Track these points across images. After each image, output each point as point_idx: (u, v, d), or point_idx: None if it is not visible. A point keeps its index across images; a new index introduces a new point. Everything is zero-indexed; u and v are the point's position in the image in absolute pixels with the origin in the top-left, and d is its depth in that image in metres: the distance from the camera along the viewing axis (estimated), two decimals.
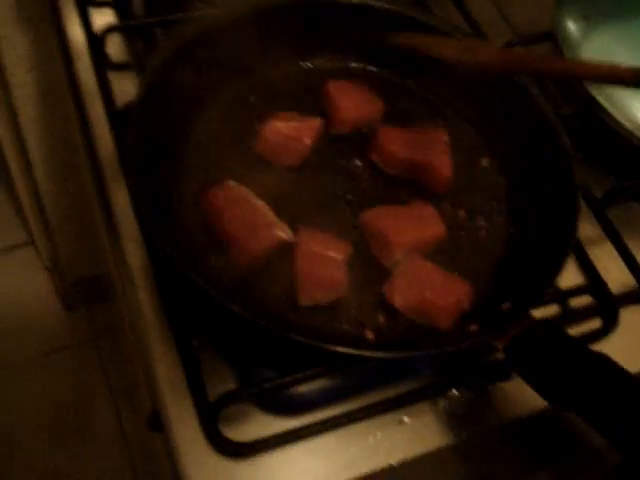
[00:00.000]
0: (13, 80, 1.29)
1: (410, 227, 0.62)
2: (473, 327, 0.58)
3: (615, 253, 0.72)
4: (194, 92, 0.66)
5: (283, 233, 0.60)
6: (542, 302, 0.63)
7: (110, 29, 0.75)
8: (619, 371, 0.52)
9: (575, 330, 0.65)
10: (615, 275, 0.70)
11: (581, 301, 0.68)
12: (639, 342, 0.66)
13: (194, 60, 0.66)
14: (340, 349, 0.53)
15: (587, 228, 0.73)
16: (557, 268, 0.59)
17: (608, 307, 0.66)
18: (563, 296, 0.66)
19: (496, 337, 0.56)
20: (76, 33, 0.78)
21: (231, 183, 0.62)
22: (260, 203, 0.61)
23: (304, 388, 0.61)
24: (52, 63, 1.27)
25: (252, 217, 0.60)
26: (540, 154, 0.68)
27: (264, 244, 0.59)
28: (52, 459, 1.69)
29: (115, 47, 0.78)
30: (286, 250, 0.61)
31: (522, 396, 0.62)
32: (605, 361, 0.53)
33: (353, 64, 0.74)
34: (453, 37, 0.69)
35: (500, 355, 0.61)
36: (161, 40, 0.77)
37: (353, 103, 0.68)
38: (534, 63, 0.62)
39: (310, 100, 0.71)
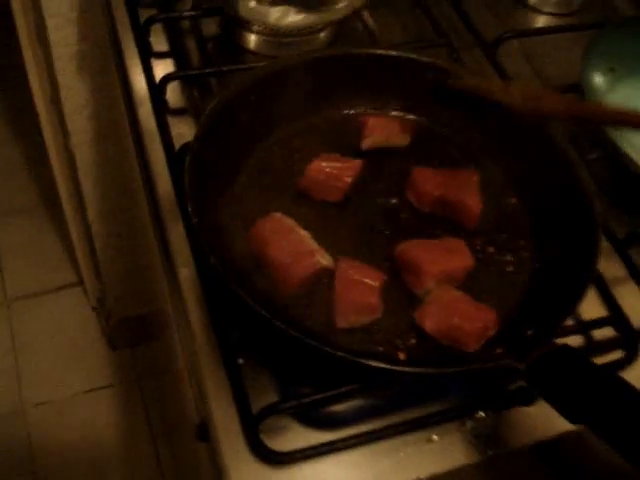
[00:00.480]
0: (72, 127, 1.37)
1: (441, 258, 0.67)
2: (498, 350, 0.63)
3: (637, 291, 0.76)
4: (247, 133, 0.73)
5: (324, 260, 0.65)
6: (565, 332, 0.68)
7: (169, 77, 0.82)
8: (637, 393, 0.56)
9: (598, 361, 0.69)
10: (638, 311, 0.74)
11: (604, 333, 0.72)
12: None
13: (248, 105, 0.73)
14: (374, 364, 0.58)
15: (611, 268, 0.77)
16: (578, 297, 0.63)
17: (630, 338, 0.70)
18: (586, 327, 0.71)
19: (519, 359, 0.60)
20: (138, 81, 0.85)
21: (277, 215, 0.68)
22: (303, 233, 0.66)
23: (340, 405, 0.65)
24: (109, 111, 1.36)
25: (296, 245, 0.65)
26: (564, 195, 0.72)
27: (307, 270, 0.65)
28: None
29: (173, 94, 0.85)
30: (325, 277, 0.67)
31: (544, 420, 0.66)
32: (622, 382, 0.56)
33: (392, 112, 0.80)
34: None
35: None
36: (217, 88, 0.84)
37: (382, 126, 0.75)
38: (598, 112, 0.67)
39: (350, 142, 0.77)
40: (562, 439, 0.66)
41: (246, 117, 0.72)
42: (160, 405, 1.86)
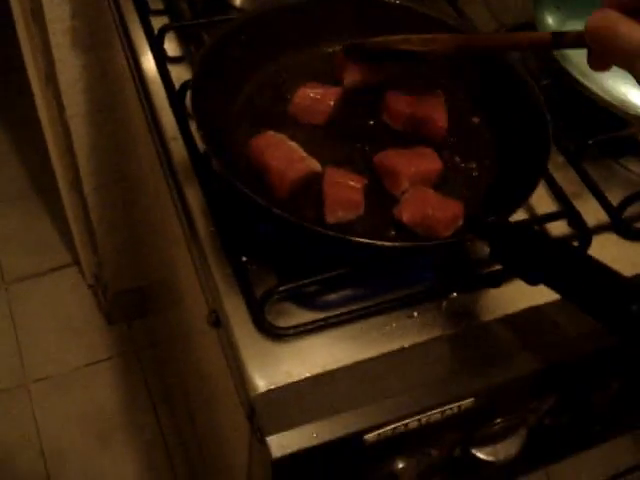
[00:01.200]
0: (67, 100, 1.45)
1: (414, 162, 0.77)
2: (467, 236, 0.73)
3: (591, 199, 0.86)
4: (239, 67, 0.83)
5: (313, 165, 0.75)
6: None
7: (166, 28, 0.92)
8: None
9: None
10: (590, 213, 0.84)
11: (559, 229, 0.83)
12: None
13: (239, 42, 0.83)
14: (363, 240, 0.68)
15: (566, 181, 0.87)
16: (532, 186, 0.73)
17: (581, 231, 0.81)
18: (541, 220, 0.81)
19: (482, 236, 0.71)
20: (139, 36, 0.94)
21: (270, 132, 0.78)
22: (294, 144, 0.77)
23: (333, 294, 0.75)
24: (101, 85, 1.45)
25: (288, 153, 0.75)
26: (520, 110, 0.83)
27: (299, 173, 0.75)
28: (99, 461, 1.82)
29: (170, 46, 0.95)
30: (314, 182, 0.76)
31: (509, 299, 0.77)
32: (568, 245, 0.67)
33: None
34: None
35: (493, 268, 0.77)
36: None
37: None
38: (477, 41, 0.78)
39: (332, 76, 0.87)
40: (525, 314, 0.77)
41: (238, 53, 0.83)
42: (158, 374, 1.95)
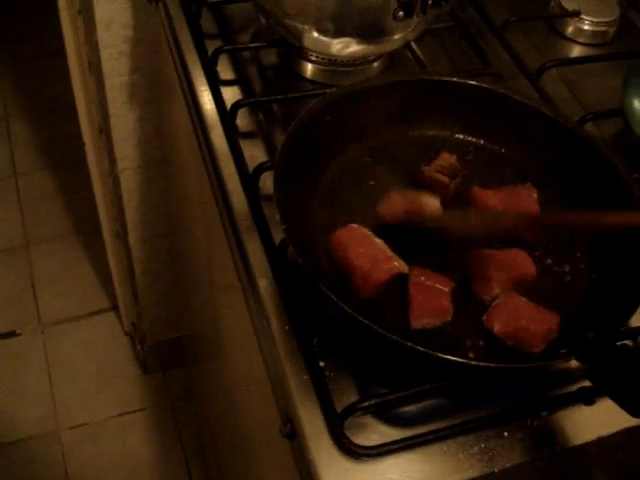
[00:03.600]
0: (119, 154, 1.43)
1: (506, 267, 0.72)
2: (562, 351, 0.68)
3: None
4: (322, 149, 0.80)
5: (400, 266, 0.71)
6: (619, 336, 0.73)
7: (240, 104, 0.88)
8: None
9: None
10: None
11: None
12: None
13: (323, 124, 0.79)
14: (452, 358, 0.63)
15: None
16: (635, 305, 0.68)
17: None
18: (636, 333, 0.76)
19: (583, 358, 0.65)
20: (209, 108, 0.91)
21: (354, 225, 0.74)
22: (379, 241, 0.72)
23: (414, 405, 0.70)
24: (154, 139, 1.43)
25: (374, 251, 0.71)
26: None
27: (386, 274, 0.70)
28: None
29: (240, 119, 0.91)
30: (399, 283, 0.72)
31: (604, 418, 0.71)
32: None
33: (457, 135, 0.86)
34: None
35: (585, 383, 0.71)
36: (280, 113, 0.91)
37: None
38: (554, 218, 0.74)
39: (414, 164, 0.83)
40: (619, 436, 0.71)
41: (322, 135, 0.79)
42: (192, 427, 1.90)
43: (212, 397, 1.48)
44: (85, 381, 1.97)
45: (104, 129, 1.43)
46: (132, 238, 1.61)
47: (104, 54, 1.27)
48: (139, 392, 1.97)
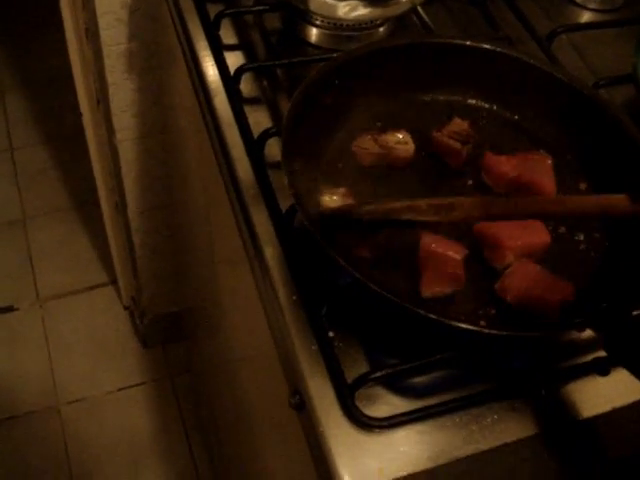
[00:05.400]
0: (118, 124, 1.40)
1: (520, 234, 0.70)
2: (577, 320, 0.66)
3: None
4: (330, 114, 0.77)
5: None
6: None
7: (243, 68, 0.86)
8: None
9: None
10: None
11: None
12: None
13: (332, 88, 0.77)
14: (464, 326, 0.62)
15: None
16: None
17: None
18: None
19: (599, 328, 0.63)
20: (211, 73, 0.88)
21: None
22: None
23: (425, 376, 0.69)
24: (153, 109, 1.40)
25: None
26: (634, 181, 0.75)
27: None
28: None
29: (244, 85, 0.88)
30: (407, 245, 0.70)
31: (618, 389, 0.69)
32: None
33: (470, 101, 0.84)
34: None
35: (600, 353, 0.69)
36: (284, 78, 0.88)
37: None
38: (513, 206, 0.68)
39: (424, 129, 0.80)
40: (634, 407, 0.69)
41: (330, 99, 0.76)
42: (192, 401, 1.89)
43: (213, 371, 1.47)
44: (84, 356, 1.96)
45: (102, 99, 1.41)
46: (131, 210, 1.58)
47: (102, 21, 1.24)
48: (139, 366, 1.96)
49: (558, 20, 1.04)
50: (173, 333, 1.93)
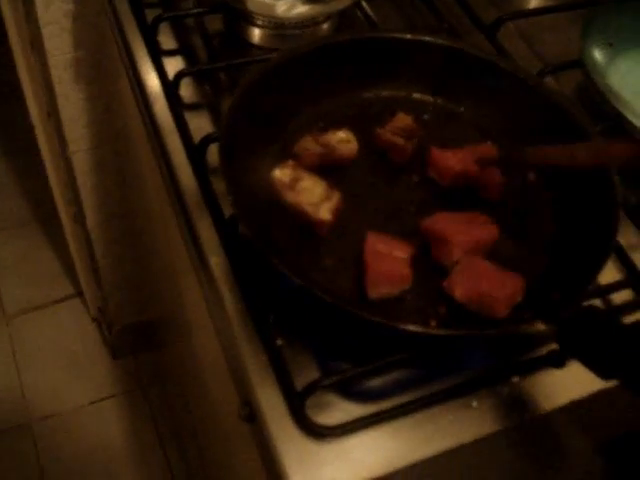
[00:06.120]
0: (69, 135, 1.38)
1: (466, 229, 0.69)
2: (527, 315, 0.65)
3: None
4: (270, 117, 0.75)
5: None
6: (586, 296, 0.70)
7: (182, 73, 0.84)
8: None
9: None
10: None
11: (621, 297, 0.74)
12: None
13: (269, 90, 0.75)
14: (411, 328, 0.60)
15: (625, 234, 0.79)
16: (600, 263, 0.65)
17: None
18: (605, 290, 0.73)
19: (549, 321, 0.62)
20: (150, 79, 0.86)
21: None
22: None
23: (379, 378, 0.67)
24: (105, 118, 1.37)
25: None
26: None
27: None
28: None
29: (185, 90, 0.86)
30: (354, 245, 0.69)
31: (575, 381, 0.68)
32: None
33: (414, 95, 0.82)
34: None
35: (555, 346, 0.68)
36: (227, 82, 0.86)
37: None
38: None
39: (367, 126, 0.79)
40: (592, 399, 0.68)
41: (270, 101, 0.74)
42: (166, 410, 1.86)
43: (184, 379, 1.44)
44: (54, 370, 1.92)
45: (52, 111, 1.38)
46: (90, 221, 1.56)
47: (45, 32, 1.21)
48: (110, 378, 1.93)
49: (506, 8, 1.03)
50: (143, 342, 1.90)
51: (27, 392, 1.89)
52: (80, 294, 2.00)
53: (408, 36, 0.80)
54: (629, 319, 0.73)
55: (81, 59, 1.28)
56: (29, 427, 1.83)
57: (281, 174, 0.70)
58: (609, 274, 0.75)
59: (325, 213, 0.68)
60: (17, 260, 2.09)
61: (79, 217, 1.58)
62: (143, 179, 1.20)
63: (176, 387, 1.66)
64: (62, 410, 1.86)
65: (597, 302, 0.74)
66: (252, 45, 0.94)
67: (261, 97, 0.73)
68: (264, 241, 0.64)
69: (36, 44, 1.27)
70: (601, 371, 0.59)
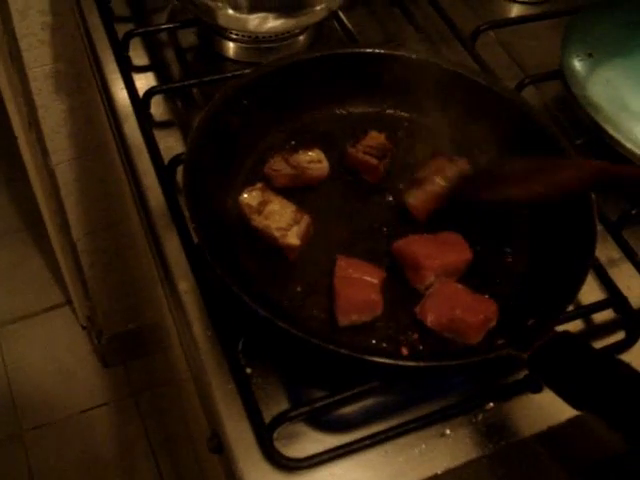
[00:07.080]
0: (51, 146, 1.36)
1: (439, 253, 0.67)
2: (500, 341, 0.63)
3: (633, 271, 0.76)
4: (240, 137, 0.74)
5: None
6: (565, 317, 0.68)
7: (152, 91, 0.82)
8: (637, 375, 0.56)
9: (600, 344, 0.70)
10: (635, 292, 0.75)
11: (604, 316, 0.73)
12: None
13: (240, 109, 0.73)
14: (378, 359, 0.59)
15: (605, 250, 0.78)
16: (578, 285, 0.63)
17: (630, 318, 0.71)
18: (586, 311, 0.71)
19: (521, 349, 0.60)
20: (121, 96, 0.84)
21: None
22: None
23: (350, 407, 0.65)
24: (87, 129, 1.36)
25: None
26: None
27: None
28: None
29: (157, 107, 0.84)
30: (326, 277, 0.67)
31: (553, 407, 0.66)
32: (622, 366, 0.57)
33: (388, 111, 0.81)
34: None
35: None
36: (201, 98, 0.84)
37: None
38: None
39: (339, 144, 0.77)
40: (569, 425, 0.67)
41: (238, 121, 0.73)
42: (157, 418, 1.85)
43: (174, 387, 1.43)
44: (45, 379, 1.91)
45: (33, 122, 1.36)
46: (75, 232, 1.55)
47: (22, 44, 1.20)
48: (101, 387, 1.92)
49: (486, 17, 1.01)
50: (133, 350, 1.89)
51: (18, 401, 1.88)
52: (70, 302, 1.99)
53: (379, 51, 0.78)
54: (609, 340, 0.71)
55: (61, 71, 1.26)
56: (20, 437, 1.82)
57: (249, 198, 0.68)
58: (592, 293, 0.73)
59: (293, 238, 0.66)
60: (7, 268, 2.08)
61: (64, 227, 1.57)
62: (125, 189, 1.19)
63: (167, 395, 1.64)
64: (53, 419, 1.85)
65: (578, 323, 0.72)
66: (227, 59, 0.92)
67: (229, 117, 0.72)
68: (229, 271, 0.62)
69: (15, 55, 1.25)
70: (572, 401, 0.58)
